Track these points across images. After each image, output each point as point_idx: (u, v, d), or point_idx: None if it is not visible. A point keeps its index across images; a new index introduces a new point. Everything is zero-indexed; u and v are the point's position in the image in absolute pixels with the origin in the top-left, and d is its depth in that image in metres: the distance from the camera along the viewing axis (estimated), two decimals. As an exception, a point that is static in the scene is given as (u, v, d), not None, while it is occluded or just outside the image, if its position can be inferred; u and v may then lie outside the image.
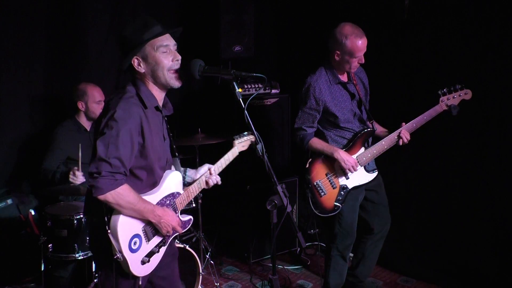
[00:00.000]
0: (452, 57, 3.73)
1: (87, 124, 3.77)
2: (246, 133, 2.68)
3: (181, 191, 2.38)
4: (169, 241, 2.36)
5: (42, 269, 3.29)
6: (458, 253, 3.83)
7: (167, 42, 2.19)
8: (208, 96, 4.81)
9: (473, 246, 3.76)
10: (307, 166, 3.38)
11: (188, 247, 3.35)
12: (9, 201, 3.66)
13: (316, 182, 3.35)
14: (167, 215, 2.24)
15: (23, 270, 3.68)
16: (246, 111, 2.12)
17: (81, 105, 3.71)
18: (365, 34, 3.31)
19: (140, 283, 2.24)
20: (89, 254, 3.20)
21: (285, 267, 4.23)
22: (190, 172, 2.51)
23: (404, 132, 3.33)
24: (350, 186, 3.37)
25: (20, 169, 3.88)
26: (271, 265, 2.36)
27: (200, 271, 3.45)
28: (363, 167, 3.37)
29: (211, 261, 4.03)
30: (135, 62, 2.18)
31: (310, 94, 3.30)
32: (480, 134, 3.66)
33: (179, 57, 2.21)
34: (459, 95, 3.30)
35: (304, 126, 3.38)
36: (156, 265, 2.31)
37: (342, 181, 3.36)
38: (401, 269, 4.11)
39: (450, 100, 3.30)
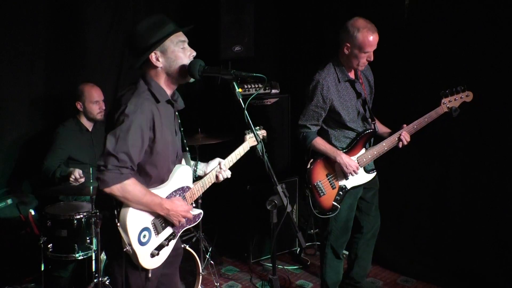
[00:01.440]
0: (453, 57, 3.73)
1: (88, 125, 3.77)
2: (258, 128, 2.69)
3: (191, 185, 2.39)
4: (179, 234, 2.37)
5: (42, 269, 3.29)
6: (458, 253, 3.83)
7: (184, 38, 2.24)
8: (208, 96, 4.81)
9: (473, 246, 3.76)
10: (308, 166, 3.37)
11: (188, 247, 3.35)
12: (9, 201, 3.65)
13: (317, 183, 3.34)
14: (175, 206, 2.25)
15: (23, 270, 3.68)
16: (246, 111, 2.11)
17: (79, 105, 3.70)
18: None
19: (150, 275, 2.25)
20: (89, 254, 3.20)
21: (285, 267, 4.23)
22: (201, 166, 2.53)
23: (405, 134, 3.31)
24: (349, 186, 3.37)
25: (20, 169, 3.88)
26: (271, 265, 2.36)
27: (200, 271, 3.45)
28: (362, 167, 3.38)
29: (211, 261, 4.03)
30: (152, 56, 2.19)
31: (317, 92, 3.25)
32: (480, 134, 3.66)
33: (195, 53, 2.25)
34: (461, 97, 3.27)
35: (309, 123, 3.34)
36: (165, 258, 2.32)
37: (341, 182, 3.36)
38: (401, 269, 4.11)
39: (452, 102, 3.27)
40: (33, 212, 3.61)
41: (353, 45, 3.17)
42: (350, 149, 3.34)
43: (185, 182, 2.37)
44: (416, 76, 3.97)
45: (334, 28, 3.47)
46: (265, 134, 2.74)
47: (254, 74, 2.15)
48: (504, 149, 3.56)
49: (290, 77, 4.86)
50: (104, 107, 3.74)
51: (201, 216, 2.47)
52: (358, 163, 3.33)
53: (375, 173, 3.45)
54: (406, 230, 4.14)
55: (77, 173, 3.34)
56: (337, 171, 3.35)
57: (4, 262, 3.59)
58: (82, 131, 3.73)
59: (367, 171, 3.41)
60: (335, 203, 3.36)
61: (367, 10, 4.21)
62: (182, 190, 2.35)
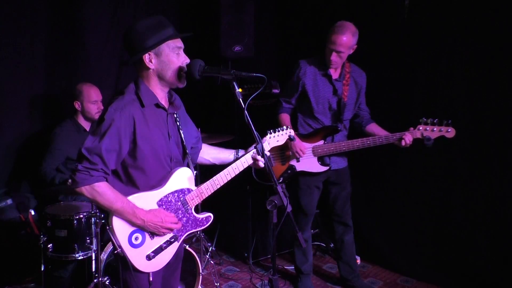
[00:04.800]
0: (452, 57, 3.73)
1: (85, 124, 3.77)
2: (284, 127, 2.67)
3: (193, 188, 2.36)
4: (182, 238, 2.34)
5: (42, 269, 3.29)
6: (458, 253, 3.83)
7: (181, 44, 2.23)
8: (208, 96, 4.81)
9: (473, 246, 3.76)
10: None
11: (188, 247, 3.35)
12: (9, 201, 3.66)
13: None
14: (152, 217, 2.20)
15: (23, 270, 3.68)
16: (246, 111, 2.11)
17: (77, 105, 3.71)
18: (365, 33, 3.36)
19: (151, 278, 2.25)
20: (89, 254, 3.20)
21: (285, 267, 4.23)
22: (241, 153, 2.57)
23: (407, 137, 3.39)
24: (297, 169, 3.59)
25: (20, 170, 3.88)
26: (271, 265, 2.36)
27: (200, 271, 3.45)
28: (316, 157, 3.57)
29: (211, 261, 4.03)
30: (146, 57, 2.18)
31: (296, 72, 3.58)
32: (481, 134, 3.66)
33: (188, 61, 2.23)
34: (440, 130, 3.35)
35: (282, 98, 3.71)
36: (167, 261, 2.31)
37: (292, 162, 3.59)
38: (401, 269, 4.12)
39: (427, 131, 3.36)
40: (33, 212, 3.61)
41: (326, 40, 3.45)
42: (307, 136, 3.57)
43: (184, 184, 2.33)
44: (415, 75, 3.97)
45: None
46: (292, 134, 2.70)
47: (254, 74, 2.15)
48: (504, 150, 3.56)
49: (290, 77, 4.85)
50: (102, 107, 3.74)
51: (211, 219, 2.43)
52: (313, 152, 3.55)
53: (327, 168, 3.60)
54: (406, 230, 4.14)
55: None
56: (290, 151, 3.55)
57: (4, 262, 3.60)
58: (80, 131, 3.73)
59: (321, 163, 3.60)
60: (281, 178, 3.60)
61: (367, 10, 4.22)
62: (182, 193, 2.32)
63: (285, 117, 3.64)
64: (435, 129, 3.35)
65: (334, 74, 3.54)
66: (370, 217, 4.43)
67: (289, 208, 2.14)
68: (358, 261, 4.33)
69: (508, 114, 3.51)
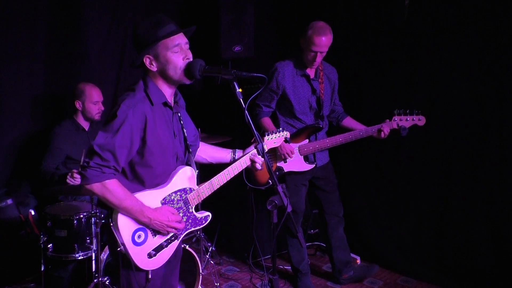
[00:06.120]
0: (452, 57, 3.73)
1: (85, 124, 3.77)
2: (280, 129, 2.72)
3: (194, 187, 2.37)
4: (181, 237, 2.35)
5: (42, 269, 3.29)
6: (458, 253, 3.83)
7: (179, 40, 2.20)
8: (209, 96, 4.81)
9: (473, 246, 3.76)
10: (252, 140, 3.59)
11: (188, 247, 3.35)
12: (9, 201, 3.65)
13: None
14: (159, 216, 2.20)
15: (23, 270, 3.68)
16: (246, 111, 2.11)
17: (78, 105, 3.71)
18: (366, 34, 3.35)
19: (150, 276, 2.25)
20: (89, 254, 3.20)
21: (285, 267, 4.23)
22: (238, 153, 2.59)
23: (385, 127, 3.53)
24: (285, 169, 3.61)
25: (20, 170, 3.88)
26: (271, 265, 2.36)
27: (200, 271, 3.45)
28: (302, 157, 3.60)
29: (211, 261, 4.03)
30: (147, 61, 2.19)
31: (274, 77, 3.58)
32: (480, 133, 3.66)
33: (190, 56, 2.22)
34: (413, 119, 3.54)
35: (262, 103, 3.68)
36: (166, 260, 2.31)
37: (279, 163, 3.60)
38: (401, 269, 4.12)
39: (402, 121, 3.54)
40: (33, 212, 3.61)
41: (304, 41, 3.46)
42: (292, 137, 3.59)
43: (186, 183, 2.34)
44: (415, 75, 3.97)
45: (334, 28, 3.48)
46: (288, 136, 2.75)
47: (255, 74, 2.15)
48: (504, 149, 3.56)
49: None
50: (102, 108, 3.74)
51: (209, 218, 2.44)
52: (299, 151, 3.58)
53: (314, 165, 3.66)
54: (406, 230, 4.15)
55: (74, 170, 3.35)
56: (278, 153, 3.56)
57: (4, 262, 3.60)
58: (79, 131, 3.73)
59: (307, 161, 3.64)
60: (270, 181, 3.55)
61: (367, 10, 4.22)
62: (184, 192, 2.33)
63: (268, 121, 3.66)
64: (408, 118, 3.53)
65: (311, 73, 3.61)
66: (370, 217, 4.43)
67: (289, 208, 2.14)
68: (358, 261, 4.34)
69: (508, 113, 3.51)
